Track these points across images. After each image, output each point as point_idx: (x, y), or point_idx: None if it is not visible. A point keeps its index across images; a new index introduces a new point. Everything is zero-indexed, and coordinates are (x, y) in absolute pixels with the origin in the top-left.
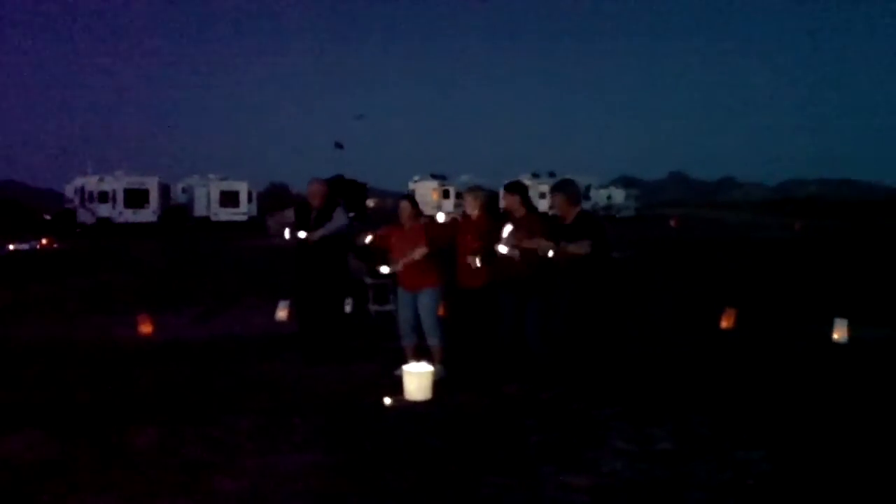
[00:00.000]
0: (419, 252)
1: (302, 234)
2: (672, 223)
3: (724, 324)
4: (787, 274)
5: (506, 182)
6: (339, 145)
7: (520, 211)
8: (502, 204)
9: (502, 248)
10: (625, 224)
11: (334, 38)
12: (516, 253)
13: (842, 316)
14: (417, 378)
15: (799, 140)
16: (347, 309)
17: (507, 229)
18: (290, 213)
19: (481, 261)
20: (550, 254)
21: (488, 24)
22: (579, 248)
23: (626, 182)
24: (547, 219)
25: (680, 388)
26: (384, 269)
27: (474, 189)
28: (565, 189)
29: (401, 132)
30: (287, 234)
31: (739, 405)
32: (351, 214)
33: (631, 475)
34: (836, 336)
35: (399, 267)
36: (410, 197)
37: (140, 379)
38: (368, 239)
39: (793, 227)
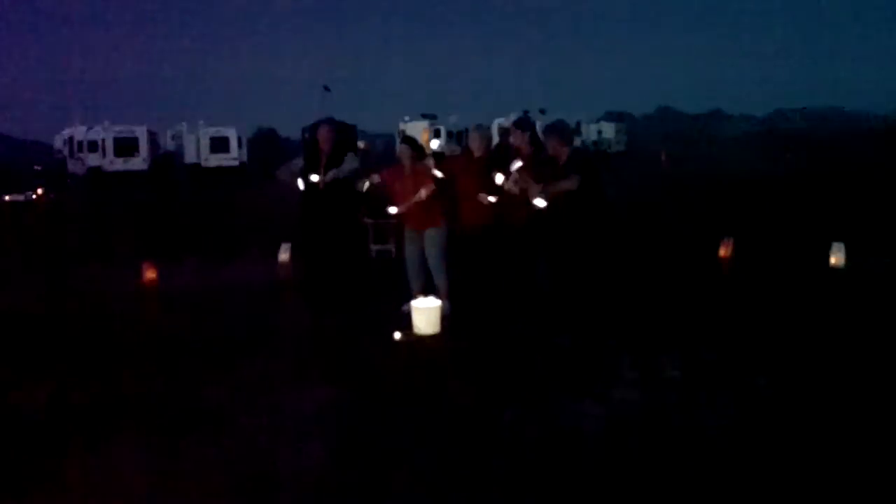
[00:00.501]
0: (426, 190)
1: (315, 178)
2: (663, 158)
3: (721, 253)
4: (783, 205)
5: (514, 119)
6: (326, 88)
7: (527, 149)
8: (511, 140)
9: (506, 183)
10: (617, 160)
11: None
12: (516, 190)
13: (838, 241)
14: (426, 313)
15: (786, 69)
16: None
17: (516, 165)
18: (298, 161)
19: (491, 197)
20: (542, 203)
21: None
22: (567, 183)
23: (615, 117)
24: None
25: (682, 318)
26: (391, 210)
27: (480, 128)
28: (558, 130)
29: (389, 73)
30: (300, 183)
31: (742, 333)
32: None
33: (641, 403)
34: (833, 261)
35: (405, 208)
36: (410, 139)
37: (149, 325)
38: (366, 186)
39: (785, 159)
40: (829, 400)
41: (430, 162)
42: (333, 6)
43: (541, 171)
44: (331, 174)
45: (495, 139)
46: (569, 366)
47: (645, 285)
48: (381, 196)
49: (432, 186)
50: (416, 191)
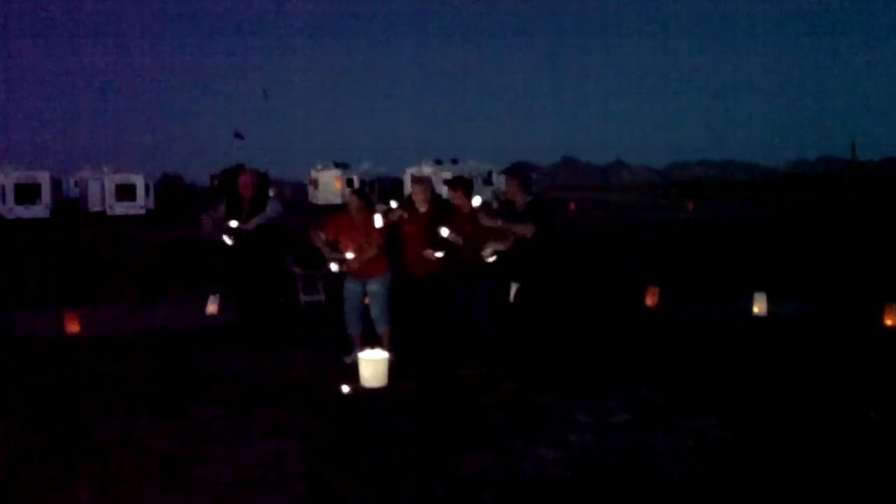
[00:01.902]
0: (375, 247)
1: (234, 224)
2: (571, 206)
3: (648, 301)
4: (695, 252)
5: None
6: (238, 136)
7: (467, 205)
8: (450, 198)
9: (445, 231)
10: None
11: (228, 23)
12: (459, 240)
13: (759, 290)
14: (374, 365)
15: (683, 123)
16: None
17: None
18: (221, 208)
19: (437, 251)
20: (491, 258)
21: (376, 14)
22: (523, 228)
23: (523, 166)
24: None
25: (620, 364)
26: (334, 267)
27: (422, 180)
28: (518, 175)
29: (299, 119)
30: (227, 238)
31: (680, 377)
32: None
33: (598, 446)
34: (755, 310)
35: (356, 262)
36: (359, 190)
37: (80, 377)
38: (323, 237)
39: (686, 207)
40: (776, 438)
41: (378, 217)
42: (242, 53)
43: (496, 216)
44: (254, 220)
45: (407, 189)
46: (517, 410)
47: (577, 333)
48: (310, 247)
49: (380, 242)
50: (364, 239)
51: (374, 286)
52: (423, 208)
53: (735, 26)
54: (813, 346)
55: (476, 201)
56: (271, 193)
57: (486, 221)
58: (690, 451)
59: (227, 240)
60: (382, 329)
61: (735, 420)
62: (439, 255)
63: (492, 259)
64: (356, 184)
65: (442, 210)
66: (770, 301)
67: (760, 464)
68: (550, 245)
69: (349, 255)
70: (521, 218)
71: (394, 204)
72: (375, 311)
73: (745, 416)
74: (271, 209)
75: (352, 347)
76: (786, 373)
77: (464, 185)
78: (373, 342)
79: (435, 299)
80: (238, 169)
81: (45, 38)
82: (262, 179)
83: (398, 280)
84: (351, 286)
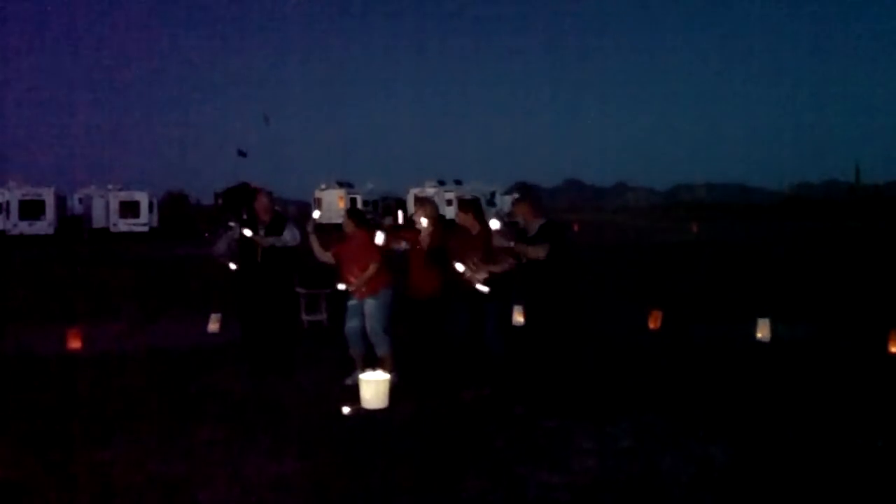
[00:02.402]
0: (372, 269)
1: (248, 232)
2: (574, 228)
3: (651, 325)
4: (699, 274)
5: (461, 198)
6: (241, 153)
7: (475, 227)
8: (458, 220)
9: (461, 267)
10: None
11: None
12: (479, 277)
13: (762, 315)
14: (374, 386)
15: (687, 146)
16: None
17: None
18: (235, 230)
19: (438, 272)
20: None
21: (383, 36)
22: (536, 250)
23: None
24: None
25: (624, 388)
26: (342, 286)
27: (424, 201)
28: (530, 197)
29: (303, 139)
30: (232, 265)
31: (685, 402)
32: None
33: (603, 472)
34: (759, 335)
35: (354, 286)
36: (352, 211)
37: (82, 395)
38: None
39: (690, 229)
40: (781, 464)
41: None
42: (248, 72)
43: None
44: (271, 239)
45: (410, 209)
46: (521, 435)
47: (586, 353)
48: (314, 266)
49: (377, 264)
50: (362, 260)
51: (372, 305)
52: (425, 227)
53: (739, 51)
54: (818, 372)
55: (494, 225)
56: (279, 209)
57: (499, 242)
58: (696, 476)
59: (233, 266)
60: (382, 352)
61: (740, 446)
62: (466, 271)
63: (482, 287)
64: (360, 203)
65: (446, 231)
66: (774, 326)
67: (766, 490)
68: (565, 268)
69: (340, 287)
70: (533, 240)
71: (389, 220)
72: (372, 333)
73: (751, 442)
74: (290, 236)
75: (354, 368)
76: (791, 398)
77: (475, 208)
78: (374, 363)
79: (435, 320)
80: (242, 187)
81: (52, 57)
82: (273, 198)
83: (399, 300)
84: (352, 306)
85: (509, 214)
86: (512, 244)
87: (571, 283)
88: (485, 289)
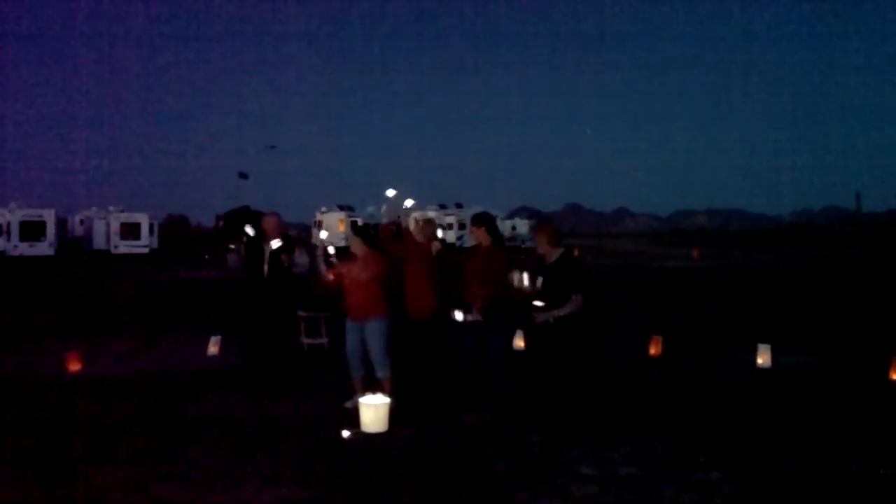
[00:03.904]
0: (371, 275)
1: (250, 230)
2: (575, 253)
3: (652, 350)
4: (699, 300)
5: (473, 214)
6: (243, 175)
7: (486, 241)
8: (472, 236)
9: (459, 316)
10: (532, 254)
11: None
12: (478, 317)
13: (763, 342)
14: (374, 410)
15: (688, 172)
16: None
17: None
18: (242, 248)
19: (437, 294)
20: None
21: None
22: (573, 306)
23: (526, 213)
24: (512, 252)
25: (625, 415)
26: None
27: (425, 221)
28: (549, 227)
29: (304, 163)
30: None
31: (685, 429)
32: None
33: (603, 499)
34: (760, 361)
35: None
36: (360, 228)
37: (81, 417)
38: (331, 277)
39: (692, 255)
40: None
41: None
42: (248, 94)
43: (510, 262)
44: (284, 256)
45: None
46: (522, 460)
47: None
48: (314, 289)
49: (383, 278)
50: (364, 277)
51: (372, 329)
52: (434, 252)
53: (742, 76)
54: (819, 400)
55: (522, 280)
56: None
57: (526, 290)
58: None
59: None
60: (382, 374)
61: (741, 473)
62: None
63: (474, 319)
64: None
65: (451, 254)
66: (774, 352)
67: None
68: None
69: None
70: (551, 273)
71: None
72: (373, 355)
73: (752, 470)
74: (299, 259)
75: (353, 392)
76: (791, 425)
77: (487, 223)
78: (375, 387)
79: (434, 341)
80: (243, 210)
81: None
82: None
83: (398, 322)
84: (350, 329)
85: (511, 238)
86: (541, 305)
87: (584, 314)
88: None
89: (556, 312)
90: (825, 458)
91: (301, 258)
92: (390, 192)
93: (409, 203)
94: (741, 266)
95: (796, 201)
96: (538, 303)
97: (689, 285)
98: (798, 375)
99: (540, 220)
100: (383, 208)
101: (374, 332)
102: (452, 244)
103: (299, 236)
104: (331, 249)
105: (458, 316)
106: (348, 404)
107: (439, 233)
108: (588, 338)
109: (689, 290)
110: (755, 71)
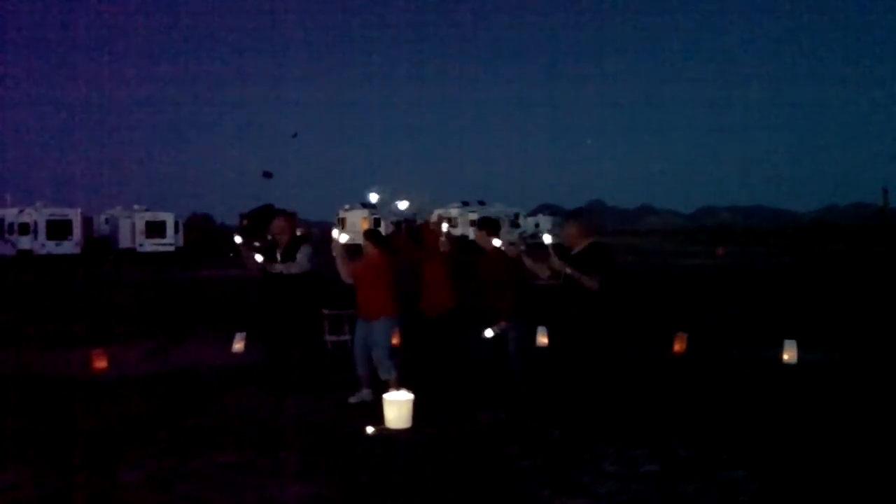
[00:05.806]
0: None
1: (238, 239)
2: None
3: (676, 348)
4: (724, 298)
5: (479, 218)
6: (267, 174)
7: (488, 244)
8: (477, 240)
9: (489, 333)
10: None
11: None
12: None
13: (789, 338)
14: (398, 407)
15: (712, 168)
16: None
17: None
18: (262, 247)
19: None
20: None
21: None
22: (590, 280)
23: (549, 210)
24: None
25: (648, 413)
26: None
27: (438, 218)
28: (580, 219)
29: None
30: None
31: (709, 427)
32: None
33: (626, 497)
34: (786, 357)
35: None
36: (370, 231)
37: (107, 415)
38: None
39: (716, 253)
40: (808, 492)
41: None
42: (270, 92)
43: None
44: (279, 267)
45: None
46: (543, 458)
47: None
48: (337, 287)
49: (391, 281)
50: (376, 280)
51: (378, 329)
52: (444, 247)
53: (767, 72)
54: (844, 396)
55: (547, 239)
56: (298, 232)
57: (556, 264)
58: (720, 502)
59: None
60: (385, 377)
61: (765, 471)
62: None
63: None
64: (383, 224)
65: (466, 253)
66: (800, 349)
67: None
68: (611, 292)
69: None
70: (577, 262)
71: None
72: (376, 356)
73: (776, 468)
74: (303, 260)
75: (359, 388)
76: (817, 423)
77: (489, 226)
78: (381, 384)
79: (451, 337)
80: (267, 209)
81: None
82: (291, 220)
83: (412, 320)
84: (360, 327)
85: (533, 236)
86: (568, 270)
87: (615, 307)
88: (489, 333)
89: (578, 274)
90: (851, 456)
91: (301, 257)
92: (373, 197)
93: (402, 205)
94: (766, 263)
95: (823, 197)
96: (568, 270)
97: (713, 283)
98: (824, 372)
99: (574, 212)
100: (403, 206)
101: (380, 332)
102: (468, 241)
103: (312, 233)
104: (335, 233)
105: (489, 333)
106: (353, 399)
107: (444, 227)
108: (618, 337)
109: (713, 288)
110: (783, 66)
